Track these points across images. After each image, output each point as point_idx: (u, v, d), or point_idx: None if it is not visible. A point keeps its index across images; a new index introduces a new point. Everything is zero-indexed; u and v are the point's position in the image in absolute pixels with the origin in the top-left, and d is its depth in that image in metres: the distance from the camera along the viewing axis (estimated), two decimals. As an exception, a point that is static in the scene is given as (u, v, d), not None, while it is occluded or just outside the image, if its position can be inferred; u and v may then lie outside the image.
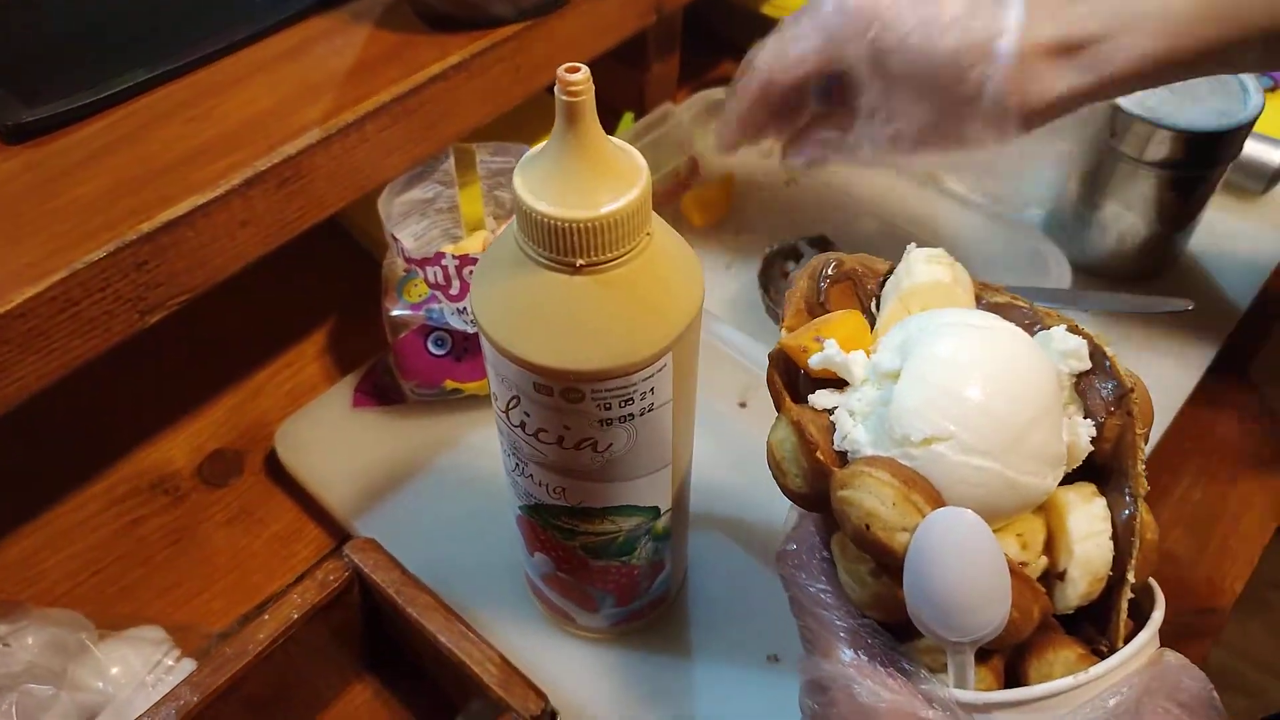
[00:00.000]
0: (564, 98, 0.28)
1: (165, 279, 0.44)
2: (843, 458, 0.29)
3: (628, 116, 0.69)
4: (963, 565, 0.26)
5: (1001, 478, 0.27)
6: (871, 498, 0.27)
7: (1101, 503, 0.28)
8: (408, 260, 0.50)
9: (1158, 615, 0.29)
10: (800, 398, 0.31)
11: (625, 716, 0.45)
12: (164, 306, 0.45)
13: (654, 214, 0.33)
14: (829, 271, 0.33)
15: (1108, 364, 0.30)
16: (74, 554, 0.54)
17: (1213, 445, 0.57)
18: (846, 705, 0.27)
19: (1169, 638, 0.49)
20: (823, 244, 0.59)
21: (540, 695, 0.40)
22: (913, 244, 0.34)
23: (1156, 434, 0.56)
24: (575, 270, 0.30)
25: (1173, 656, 0.28)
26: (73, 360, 0.41)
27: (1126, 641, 0.28)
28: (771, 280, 0.58)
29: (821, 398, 0.30)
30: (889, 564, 0.28)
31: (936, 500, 0.27)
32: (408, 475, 0.53)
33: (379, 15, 0.52)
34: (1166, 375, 0.58)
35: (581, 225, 0.29)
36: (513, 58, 0.53)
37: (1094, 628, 0.29)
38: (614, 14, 0.57)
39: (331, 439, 0.55)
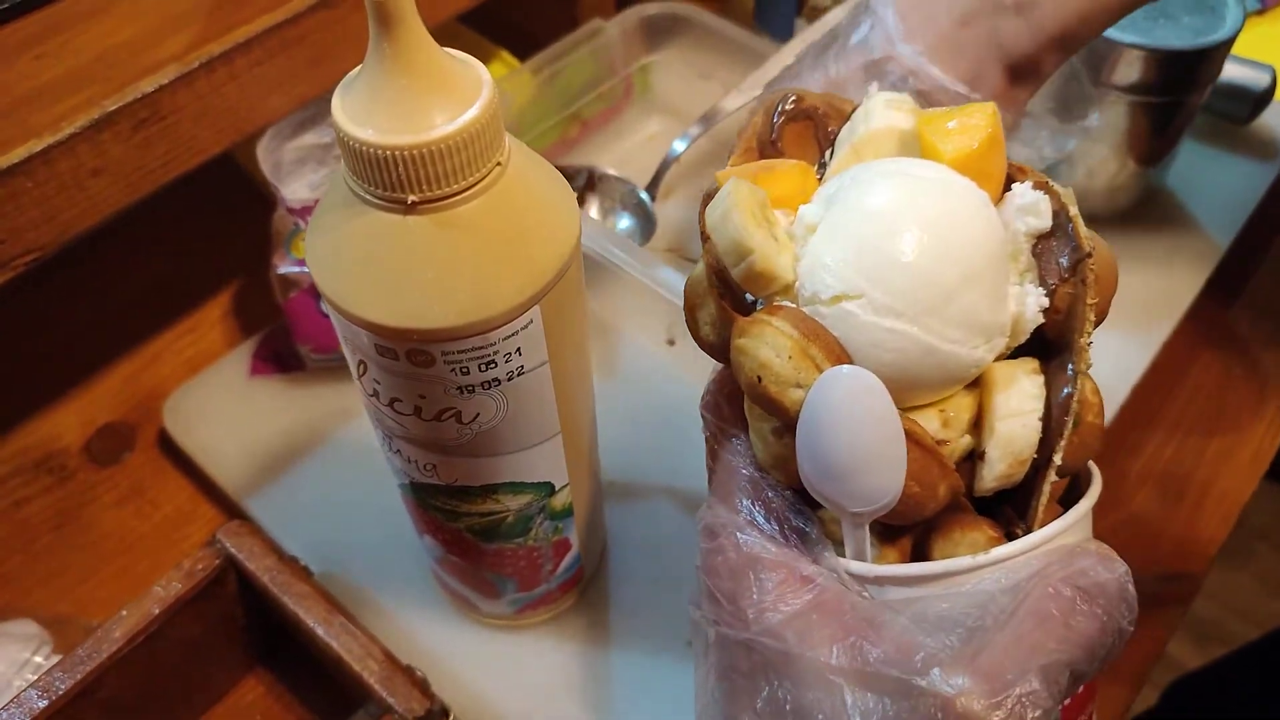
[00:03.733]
0: (372, -4, 0.23)
1: (6, 235, 0.39)
2: (753, 310, 0.26)
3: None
4: (855, 429, 0.23)
5: (919, 343, 0.24)
6: (766, 348, 0.24)
7: (1039, 380, 0.26)
8: (290, 211, 0.45)
9: (1087, 501, 0.27)
10: None
11: (531, 711, 0.41)
12: (9, 266, 0.40)
13: (515, 140, 0.28)
14: (785, 107, 0.29)
15: (1069, 226, 0.26)
16: (-52, 541, 0.49)
17: (1188, 395, 0.53)
18: (732, 552, 0.26)
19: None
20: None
21: (426, 694, 0.36)
22: (875, 84, 0.30)
23: (1130, 382, 0.52)
24: (408, 209, 0.25)
25: (1095, 545, 0.26)
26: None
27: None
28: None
29: None
30: (783, 421, 0.25)
31: (839, 357, 0.24)
32: (307, 449, 0.49)
33: (255, -65, 0.47)
34: (1142, 321, 0.54)
35: (408, 152, 0.24)
36: (410, -17, 0.48)
37: (1015, 511, 0.27)
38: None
39: (225, 410, 0.51)
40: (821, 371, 0.24)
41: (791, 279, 0.26)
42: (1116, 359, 0.52)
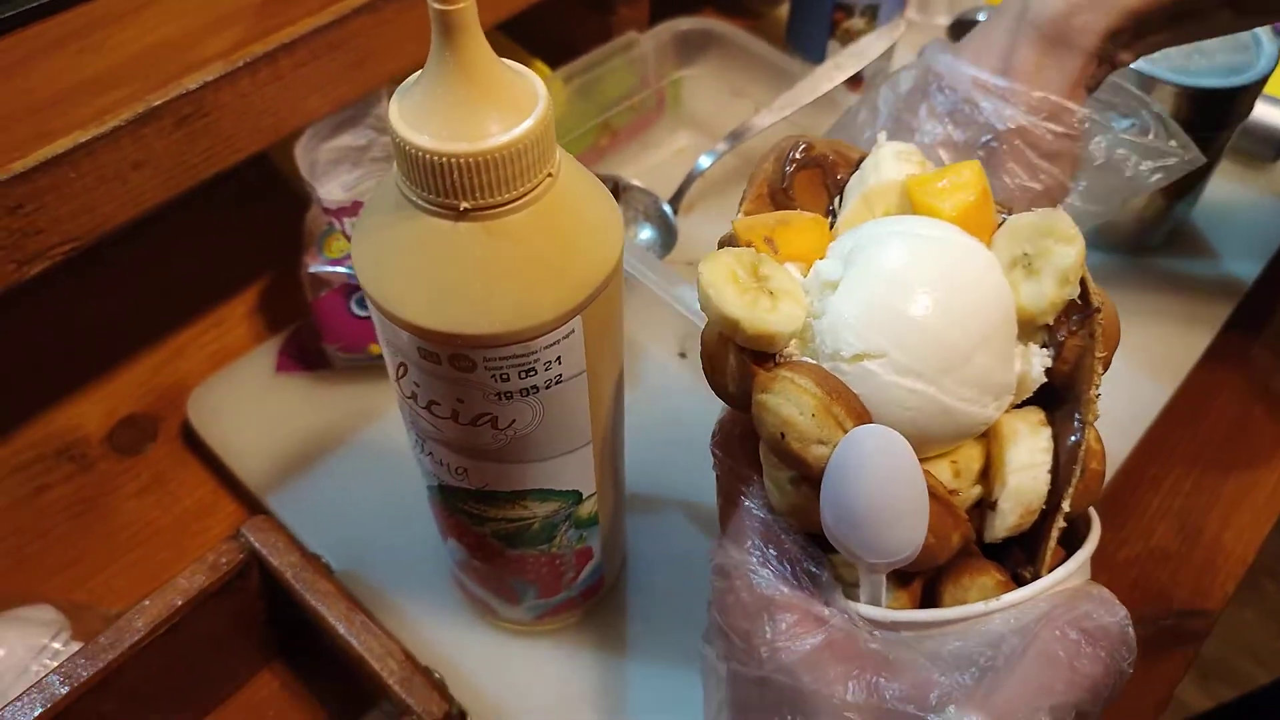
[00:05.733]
0: (438, 6, 0.23)
1: (46, 225, 0.40)
2: (773, 362, 0.27)
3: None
4: (881, 487, 0.24)
5: (936, 402, 0.25)
6: (789, 405, 0.25)
7: (1046, 433, 0.27)
8: (325, 211, 0.46)
9: (1088, 546, 0.28)
10: None
11: (546, 717, 0.41)
12: (46, 256, 0.41)
13: (565, 152, 0.28)
14: (796, 155, 0.31)
15: (1081, 281, 0.27)
16: (-32, 525, 0.50)
17: (1207, 431, 0.53)
18: (746, 593, 0.27)
19: (1150, 643, 0.45)
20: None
21: (445, 696, 0.36)
22: (883, 134, 0.31)
23: (1150, 416, 0.52)
24: (460, 215, 0.26)
25: (1096, 589, 0.27)
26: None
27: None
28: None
29: None
30: (805, 475, 0.26)
31: (861, 415, 0.25)
32: (329, 447, 0.49)
33: (301, -63, 0.47)
34: (1163, 355, 0.54)
35: (463, 160, 0.25)
36: (452, -10, 0.48)
37: (1023, 554, 0.28)
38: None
39: (250, 405, 0.51)
40: (844, 429, 0.25)
41: (795, 329, 0.26)
42: (1138, 393, 0.52)
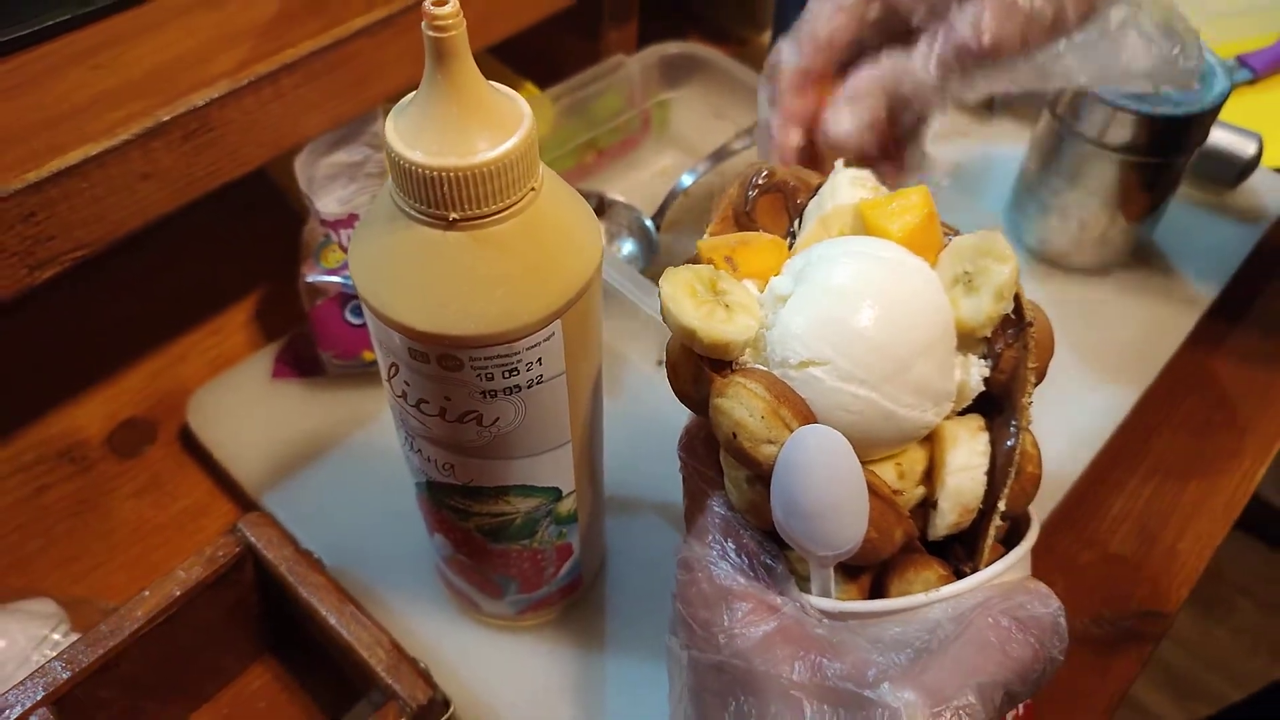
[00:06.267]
0: (431, 33, 0.25)
1: (57, 232, 0.42)
2: (729, 369, 0.29)
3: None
4: (824, 484, 0.26)
5: (878, 407, 0.27)
6: (741, 408, 0.27)
7: (984, 437, 0.29)
8: (322, 223, 0.48)
9: (1025, 544, 0.29)
10: None
11: (528, 711, 0.42)
12: (57, 262, 0.42)
13: (548, 169, 0.30)
14: (759, 180, 0.33)
15: (1015, 297, 0.29)
16: (-29, 523, 0.51)
17: (1167, 441, 0.55)
18: (707, 584, 0.29)
19: (1107, 642, 0.48)
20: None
21: (429, 684, 0.38)
22: (840, 161, 0.33)
23: (1113, 425, 0.54)
24: (449, 225, 0.28)
25: (1033, 584, 0.28)
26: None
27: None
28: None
29: None
30: (755, 473, 0.28)
31: (806, 417, 0.27)
32: (322, 450, 0.51)
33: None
34: (1127, 367, 0.56)
35: (453, 175, 0.27)
36: (447, 15, 0.51)
37: (964, 551, 0.30)
38: (557, -27, 0.55)
39: (247, 409, 0.53)
40: (791, 430, 0.26)
41: (748, 339, 0.28)
42: (1102, 402, 0.55)
